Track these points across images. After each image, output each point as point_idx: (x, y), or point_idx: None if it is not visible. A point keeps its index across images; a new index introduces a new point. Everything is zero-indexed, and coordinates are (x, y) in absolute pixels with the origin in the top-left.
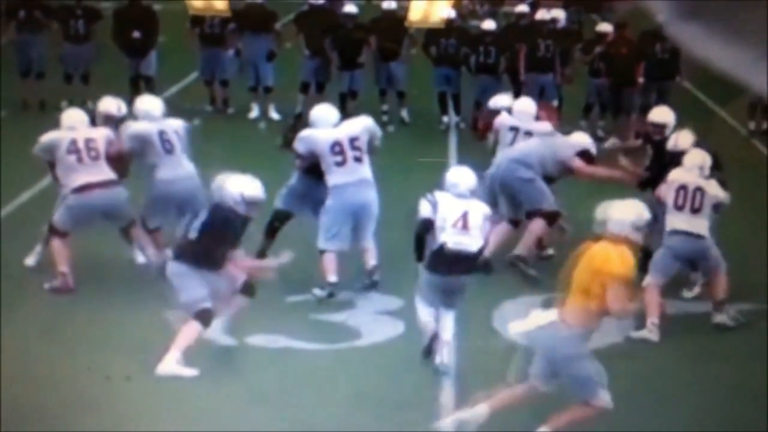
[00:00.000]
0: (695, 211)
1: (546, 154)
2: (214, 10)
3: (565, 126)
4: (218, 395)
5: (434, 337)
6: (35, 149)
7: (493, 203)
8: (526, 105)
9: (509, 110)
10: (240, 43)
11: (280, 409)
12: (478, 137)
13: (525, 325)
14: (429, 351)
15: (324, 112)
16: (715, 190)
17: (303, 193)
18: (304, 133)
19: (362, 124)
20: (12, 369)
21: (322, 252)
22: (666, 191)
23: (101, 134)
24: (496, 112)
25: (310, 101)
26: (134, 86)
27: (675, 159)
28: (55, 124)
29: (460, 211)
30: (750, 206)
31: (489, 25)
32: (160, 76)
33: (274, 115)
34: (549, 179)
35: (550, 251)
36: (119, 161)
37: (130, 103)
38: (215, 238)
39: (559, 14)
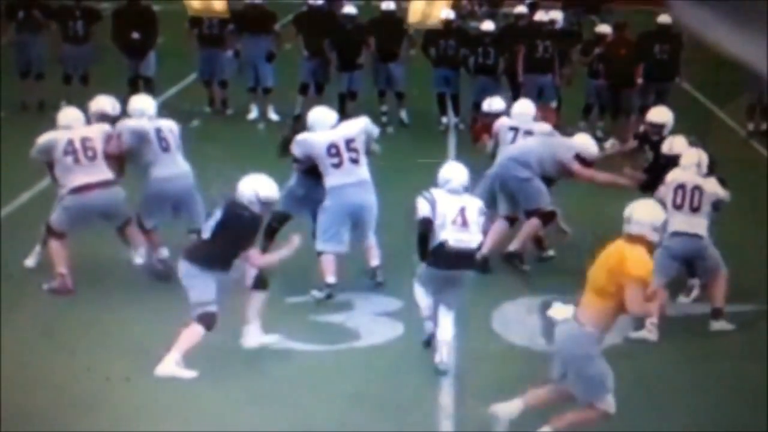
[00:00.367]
0: (694, 210)
1: (545, 154)
2: (212, 10)
3: (566, 127)
4: (218, 396)
5: (433, 320)
6: (32, 152)
7: (490, 202)
8: (526, 106)
9: (508, 113)
10: (239, 44)
11: (280, 410)
12: (473, 140)
13: (566, 312)
14: (428, 342)
15: (321, 115)
16: (713, 188)
17: (302, 195)
18: (301, 137)
19: (359, 126)
20: (11, 370)
21: (319, 253)
22: (665, 192)
23: (98, 131)
24: (491, 116)
25: (309, 102)
26: (133, 87)
27: (670, 163)
28: (54, 125)
29: (457, 208)
30: (749, 207)
31: (488, 26)
32: (159, 76)
33: (273, 116)
34: (548, 180)
35: (551, 252)
36: (117, 158)
37: (124, 102)
38: (230, 237)
39: (557, 15)
